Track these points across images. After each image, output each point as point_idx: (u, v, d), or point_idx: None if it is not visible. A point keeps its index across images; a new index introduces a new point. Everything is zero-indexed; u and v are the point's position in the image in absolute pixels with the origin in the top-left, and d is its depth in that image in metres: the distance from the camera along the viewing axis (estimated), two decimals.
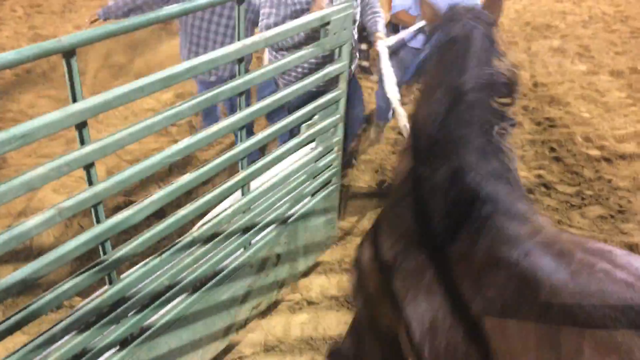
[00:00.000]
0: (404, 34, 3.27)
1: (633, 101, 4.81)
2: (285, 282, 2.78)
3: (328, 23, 2.32)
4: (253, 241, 2.40)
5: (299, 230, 2.72)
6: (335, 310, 2.68)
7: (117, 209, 3.02)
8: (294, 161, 2.51)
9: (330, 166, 2.80)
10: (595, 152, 4.12)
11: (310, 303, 2.74)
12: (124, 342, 1.87)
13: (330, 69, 2.48)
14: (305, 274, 2.92)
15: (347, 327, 2.50)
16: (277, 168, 2.42)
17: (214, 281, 2.21)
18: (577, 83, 5.11)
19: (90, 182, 1.54)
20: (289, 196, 2.53)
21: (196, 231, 2.01)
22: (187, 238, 1.97)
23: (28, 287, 1.44)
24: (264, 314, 2.67)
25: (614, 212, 3.53)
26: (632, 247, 3.21)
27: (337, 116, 2.68)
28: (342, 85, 2.61)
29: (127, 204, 3.24)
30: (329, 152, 2.75)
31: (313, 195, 2.76)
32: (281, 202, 2.49)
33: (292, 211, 2.63)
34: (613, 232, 3.34)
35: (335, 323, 2.61)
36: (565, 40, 5.98)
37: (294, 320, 2.63)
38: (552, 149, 4.16)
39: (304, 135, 2.47)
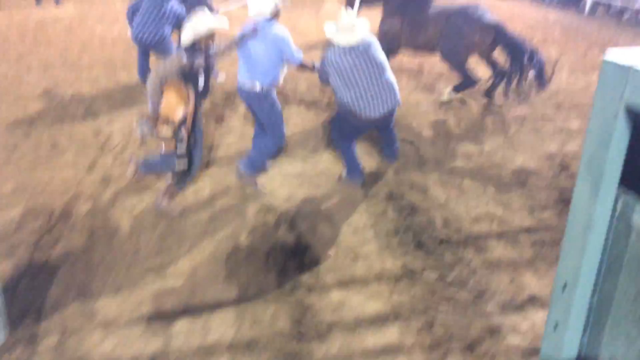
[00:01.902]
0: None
1: (483, 182, 5.18)
2: None
3: None
4: None
5: None
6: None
7: None
8: None
9: None
10: (453, 235, 4.32)
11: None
12: None
13: None
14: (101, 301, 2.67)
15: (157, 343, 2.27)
16: None
17: None
18: (433, 168, 5.44)
19: None
20: None
21: None
22: None
23: None
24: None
25: (474, 294, 3.66)
26: (492, 330, 3.32)
27: None
28: None
29: None
30: None
31: None
32: None
33: None
34: (476, 315, 3.45)
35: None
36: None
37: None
38: (415, 235, 4.31)
39: None
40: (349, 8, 5.01)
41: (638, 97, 0.85)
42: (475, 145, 5.94)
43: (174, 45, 6.96)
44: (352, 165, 5.00)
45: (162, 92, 3.97)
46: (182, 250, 4.06)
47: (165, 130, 3.96)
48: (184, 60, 4.01)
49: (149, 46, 7.08)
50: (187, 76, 4.04)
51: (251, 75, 4.58)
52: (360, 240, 4.25)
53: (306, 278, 3.81)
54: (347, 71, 4.44)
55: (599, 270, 1.13)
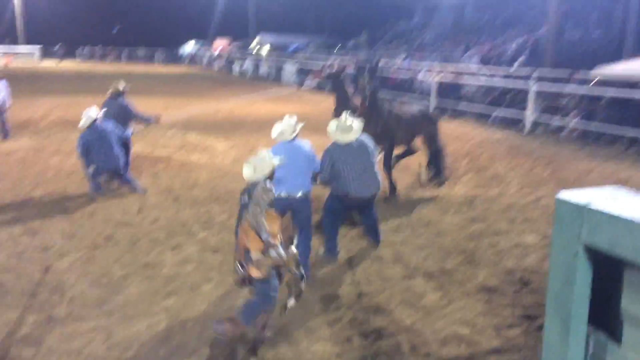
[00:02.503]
0: None
1: (447, 301, 5.11)
2: None
3: None
4: None
5: None
6: None
7: None
8: None
9: None
10: None
11: None
12: None
13: None
14: None
15: None
16: None
17: None
18: (397, 289, 5.36)
19: None
20: None
21: None
22: None
23: None
24: None
25: None
26: None
27: None
28: None
29: None
30: None
31: None
32: None
33: None
34: None
35: None
36: (379, 246, 6.41)
37: None
38: None
39: None
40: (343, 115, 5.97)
41: (596, 235, 0.85)
42: (435, 263, 5.95)
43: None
44: (330, 243, 6.07)
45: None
46: None
47: (292, 250, 4.32)
48: (272, 192, 4.29)
49: (116, 174, 8.21)
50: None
51: (299, 186, 5.39)
52: None
53: None
54: (344, 161, 5.68)
55: None
